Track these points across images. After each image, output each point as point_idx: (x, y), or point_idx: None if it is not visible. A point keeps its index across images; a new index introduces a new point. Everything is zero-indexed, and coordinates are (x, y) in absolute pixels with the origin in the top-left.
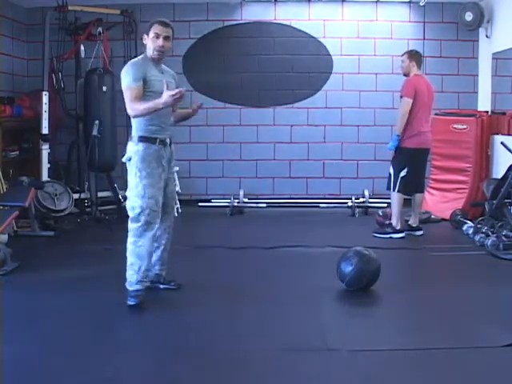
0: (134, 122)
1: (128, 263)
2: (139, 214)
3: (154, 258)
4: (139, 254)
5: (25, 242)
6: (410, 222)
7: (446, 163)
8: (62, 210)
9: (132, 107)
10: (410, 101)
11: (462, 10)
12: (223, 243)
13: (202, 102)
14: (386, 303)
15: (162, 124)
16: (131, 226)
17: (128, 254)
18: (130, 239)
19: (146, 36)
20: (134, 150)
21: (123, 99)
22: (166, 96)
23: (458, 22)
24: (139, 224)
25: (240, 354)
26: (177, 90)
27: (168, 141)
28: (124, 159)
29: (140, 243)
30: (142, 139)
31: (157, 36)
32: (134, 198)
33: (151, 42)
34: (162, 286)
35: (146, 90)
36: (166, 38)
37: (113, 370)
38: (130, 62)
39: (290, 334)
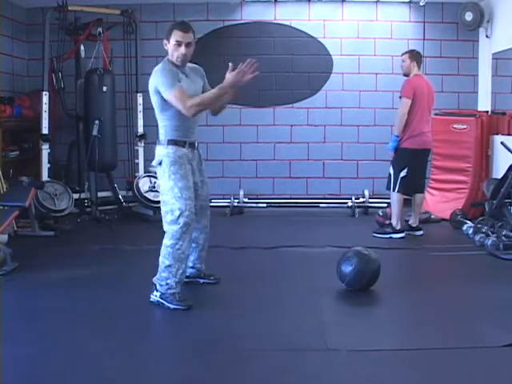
0: (162, 126)
1: (163, 266)
2: (178, 217)
3: (192, 257)
4: (178, 256)
5: (25, 242)
6: (410, 222)
7: (445, 163)
8: (61, 210)
9: (191, 107)
10: (409, 101)
11: (462, 10)
12: (223, 243)
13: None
14: (386, 303)
15: (189, 127)
16: (169, 228)
17: (164, 257)
18: (168, 242)
19: (166, 41)
20: (164, 154)
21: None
22: (231, 76)
23: (458, 22)
24: (179, 226)
25: (240, 353)
26: (244, 65)
27: (196, 144)
28: (154, 163)
29: (178, 246)
30: (171, 142)
31: (178, 44)
32: (171, 200)
33: (173, 50)
34: (201, 281)
35: None
36: (187, 45)
37: (113, 370)
38: (159, 70)
39: (290, 334)
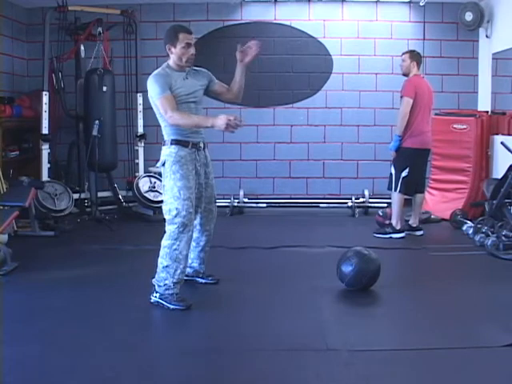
0: (164, 127)
1: (161, 266)
2: (175, 217)
3: (192, 255)
4: (175, 257)
5: (25, 242)
6: (410, 222)
7: (446, 163)
8: (62, 210)
9: (171, 117)
10: (411, 101)
11: (462, 10)
12: (223, 243)
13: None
14: (386, 303)
15: (192, 128)
16: (168, 228)
17: (162, 257)
18: (166, 242)
19: (170, 47)
20: (167, 154)
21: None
22: (222, 120)
23: (458, 22)
24: (175, 226)
25: (240, 354)
26: (233, 117)
27: (202, 145)
28: (158, 164)
29: (175, 246)
30: (174, 142)
31: (188, 45)
32: (170, 199)
33: (182, 52)
34: (200, 281)
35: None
36: (192, 45)
37: (113, 370)
38: (152, 77)
39: (290, 334)
